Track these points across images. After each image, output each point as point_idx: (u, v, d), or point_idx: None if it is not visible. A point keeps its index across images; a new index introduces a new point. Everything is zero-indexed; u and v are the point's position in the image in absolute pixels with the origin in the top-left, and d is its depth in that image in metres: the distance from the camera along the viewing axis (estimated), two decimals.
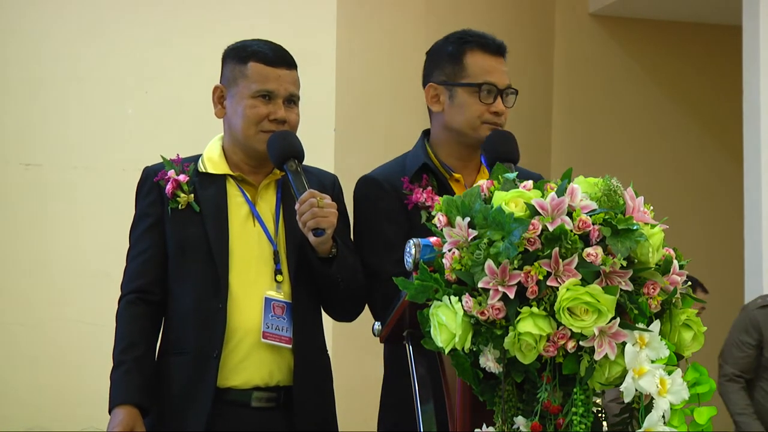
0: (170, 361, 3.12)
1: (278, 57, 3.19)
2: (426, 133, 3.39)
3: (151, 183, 3.19)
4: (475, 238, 2.41)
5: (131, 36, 5.40)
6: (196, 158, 3.24)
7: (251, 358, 3.09)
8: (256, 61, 3.17)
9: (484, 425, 2.46)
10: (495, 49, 3.36)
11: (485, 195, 2.49)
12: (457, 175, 3.28)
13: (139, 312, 3.13)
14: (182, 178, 3.16)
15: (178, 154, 3.24)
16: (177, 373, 3.10)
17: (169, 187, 3.15)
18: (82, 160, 5.29)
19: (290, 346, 3.12)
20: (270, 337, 3.10)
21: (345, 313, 3.28)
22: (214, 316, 3.08)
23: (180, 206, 3.14)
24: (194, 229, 3.13)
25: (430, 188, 3.24)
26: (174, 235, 3.14)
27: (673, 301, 2.50)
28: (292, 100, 3.19)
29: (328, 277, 3.13)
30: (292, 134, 3.17)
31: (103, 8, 5.37)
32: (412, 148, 3.38)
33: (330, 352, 3.27)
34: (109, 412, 3.06)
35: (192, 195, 3.15)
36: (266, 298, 3.11)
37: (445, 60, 3.35)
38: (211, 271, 3.11)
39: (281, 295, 3.14)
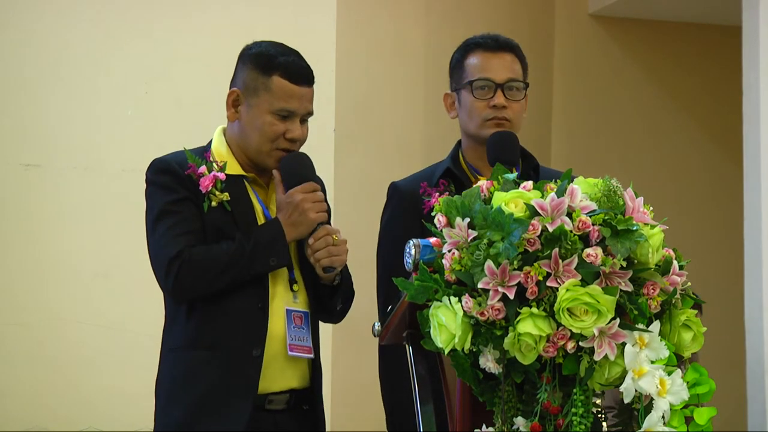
0: (198, 356, 3.03)
1: (303, 74, 3.12)
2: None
3: (179, 175, 3.07)
4: (474, 238, 2.41)
5: (131, 36, 5.39)
6: (203, 153, 3.14)
7: (273, 365, 3.06)
8: (281, 76, 3.09)
9: (484, 426, 2.46)
10: (494, 45, 3.39)
11: (485, 195, 2.49)
12: (482, 178, 3.30)
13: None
14: (221, 175, 3.07)
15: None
16: (209, 369, 3.02)
17: (207, 183, 3.05)
18: (81, 160, 5.28)
19: (312, 356, 3.11)
20: (296, 349, 3.07)
21: (332, 321, 3.30)
22: (256, 315, 3.04)
23: (212, 203, 3.06)
24: (228, 228, 3.06)
25: (447, 193, 3.25)
26: (210, 230, 3.06)
27: (673, 301, 2.50)
28: (306, 118, 3.15)
29: (329, 300, 3.15)
30: (306, 157, 3.14)
31: (102, 9, 5.37)
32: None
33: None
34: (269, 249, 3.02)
35: (226, 194, 3.07)
36: (287, 310, 3.08)
37: (454, 68, 3.45)
38: None
39: (299, 304, 3.12)
